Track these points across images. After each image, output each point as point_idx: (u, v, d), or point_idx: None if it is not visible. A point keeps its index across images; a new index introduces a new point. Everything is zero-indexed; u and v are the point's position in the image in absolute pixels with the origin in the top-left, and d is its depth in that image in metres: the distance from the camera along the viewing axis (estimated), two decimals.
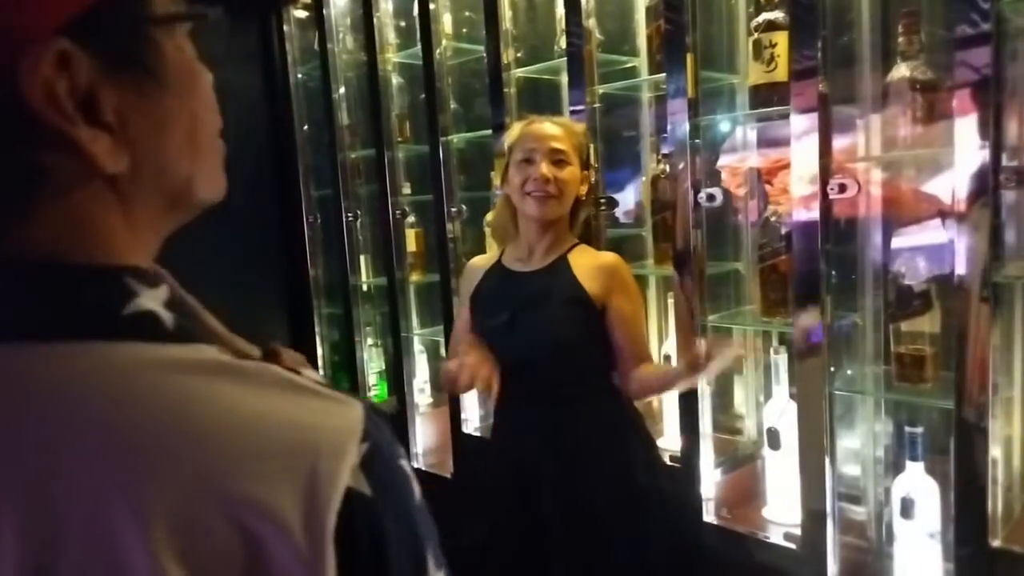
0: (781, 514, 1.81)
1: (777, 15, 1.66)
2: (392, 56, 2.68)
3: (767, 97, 1.69)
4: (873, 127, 1.64)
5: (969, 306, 1.40)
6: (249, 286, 3.12)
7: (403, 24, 2.71)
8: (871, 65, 1.66)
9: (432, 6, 2.38)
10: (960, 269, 1.41)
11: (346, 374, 3.06)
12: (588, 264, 1.68)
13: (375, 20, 2.60)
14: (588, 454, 1.67)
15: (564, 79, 2.16)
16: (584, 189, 1.72)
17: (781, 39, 1.65)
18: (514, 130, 1.73)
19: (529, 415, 1.68)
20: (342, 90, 2.88)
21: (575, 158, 1.68)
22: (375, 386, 3.01)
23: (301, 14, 3.03)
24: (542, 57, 2.29)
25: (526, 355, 1.64)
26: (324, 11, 2.81)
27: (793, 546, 1.72)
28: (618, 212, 2.08)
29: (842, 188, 1.54)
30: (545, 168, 1.63)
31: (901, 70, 1.54)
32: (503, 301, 1.69)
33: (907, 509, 1.56)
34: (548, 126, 1.68)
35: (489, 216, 1.88)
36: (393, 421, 2.72)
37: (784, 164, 1.74)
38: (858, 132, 1.64)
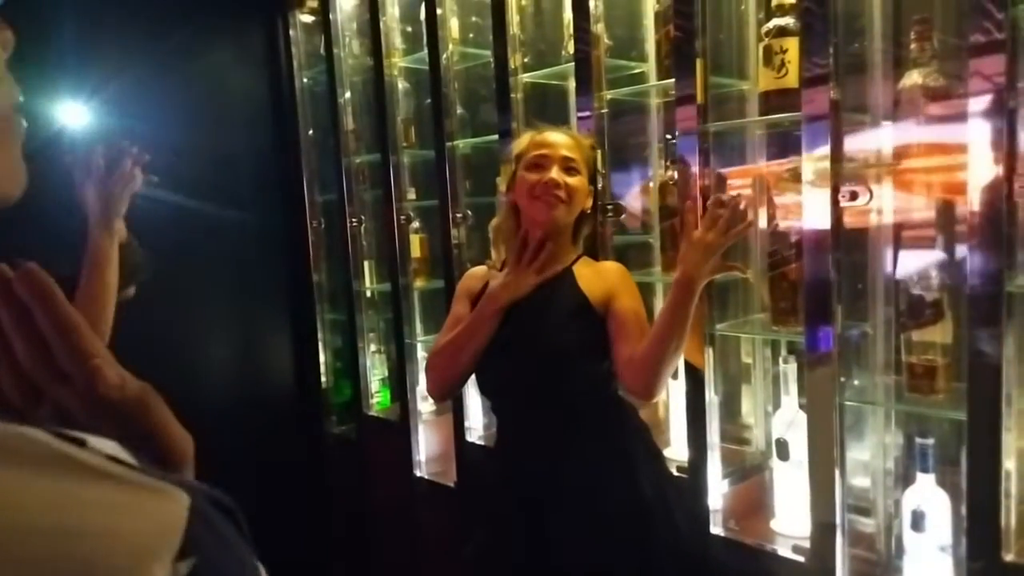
0: (789, 526, 1.78)
1: (788, 21, 1.65)
2: (398, 61, 2.67)
3: (777, 103, 1.67)
4: (884, 135, 1.62)
5: (982, 316, 1.38)
6: (252, 291, 3.11)
7: (409, 29, 2.70)
8: (883, 72, 1.64)
9: (439, 11, 2.37)
10: (973, 279, 1.39)
11: (348, 381, 3.05)
12: (590, 273, 1.70)
13: (381, 25, 2.60)
14: (593, 465, 1.64)
15: (571, 84, 2.15)
16: (589, 203, 1.74)
17: (792, 45, 1.63)
18: (524, 138, 1.73)
19: (533, 426, 1.67)
20: (348, 95, 2.87)
21: (584, 169, 1.69)
22: (378, 393, 2.99)
23: (307, 18, 3.03)
24: (549, 62, 2.28)
25: (531, 367, 1.63)
26: (331, 15, 2.81)
27: (801, 559, 1.69)
28: (625, 219, 2.06)
29: (853, 196, 1.52)
30: (556, 173, 1.64)
31: (913, 77, 1.52)
32: (506, 311, 1.67)
33: (918, 522, 1.54)
34: (560, 135, 1.70)
35: (494, 222, 1.87)
36: (396, 429, 2.72)
37: (794, 171, 1.72)
38: (869, 140, 1.62)
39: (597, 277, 1.69)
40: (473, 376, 1.74)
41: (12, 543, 0.29)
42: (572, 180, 1.66)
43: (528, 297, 1.67)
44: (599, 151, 1.91)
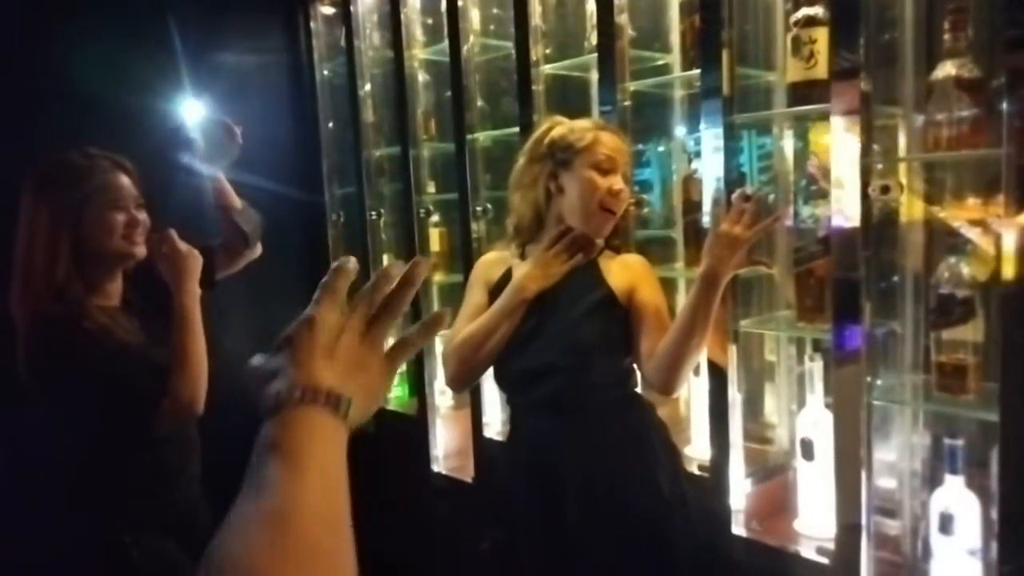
0: (813, 527, 1.75)
1: (817, 10, 1.61)
2: (418, 52, 2.65)
3: (805, 95, 1.64)
4: (915, 127, 1.58)
5: (1016, 314, 1.34)
6: (271, 284, 3.10)
7: (430, 21, 2.68)
8: (914, 63, 1.60)
9: (460, 2, 2.36)
10: (1005, 275, 1.35)
11: None
12: (614, 266, 1.69)
13: (402, 16, 2.58)
14: (611, 461, 1.63)
15: (594, 76, 2.11)
16: None
17: (821, 35, 1.60)
18: (580, 129, 1.65)
19: (552, 420, 1.64)
20: (367, 87, 2.86)
21: None
22: (396, 387, 2.98)
23: (328, 10, 3.02)
24: (571, 54, 2.26)
25: (551, 360, 1.61)
26: (351, 7, 2.80)
27: (826, 560, 1.66)
28: (647, 213, 2.04)
29: (884, 190, 1.49)
30: (622, 183, 1.63)
31: (946, 68, 1.48)
32: (529, 303, 1.64)
33: (946, 525, 1.50)
34: (619, 141, 1.67)
35: (513, 217, 1.83)
36: (414, 423, 2.70)
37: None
38: (900, 132, 1.58)
39: (621, 269, 1.67)
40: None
41: None
42: (627, 189, 1.66)
43: (553, 288, 1.64)
44: None
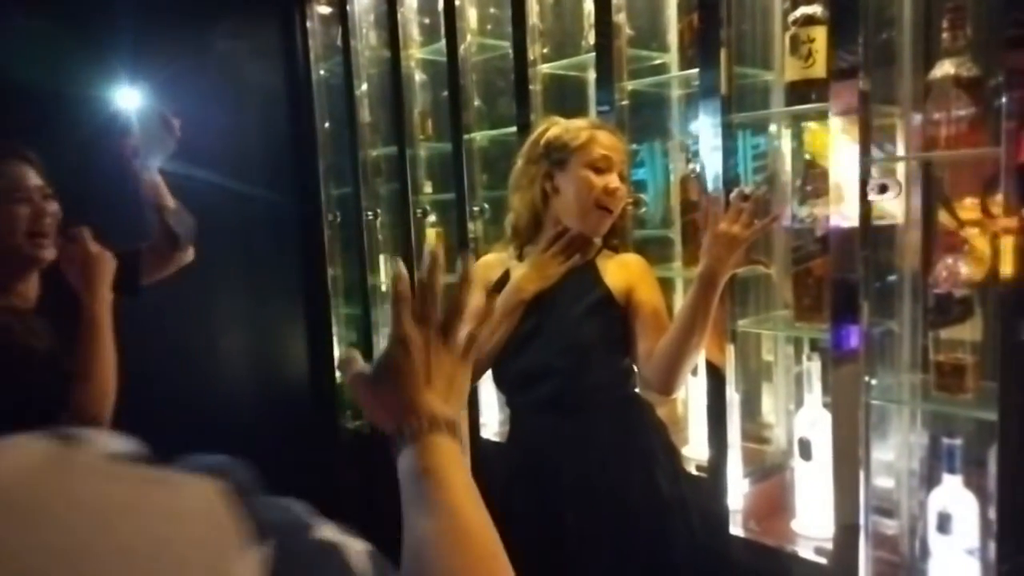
0: (811, 527, 1.75)
1: (815, 9, 1.61)
2: (415, 52, 2.65)
3: (804, 94, 1.64)
4: (914, 126, 1.58)
5: (1015, 313, 1.34)
6: (267, 284, 3.09)
7: (427, 20, 2.68)
8: (912, 62, 1.60)
9: (457, 2, 2.35)
10: (1003, 275, 1.34)
11: None
12: (612, 265, 1.68)
13: (399, 16, 2.58)
14: (610, 462, 1.62)
15: (591, 76, 2.11)
16: None
17: (819, 34, 1.60)
18: (576, 128, 1.64)
19: (551, 421, 1.64)
20: (364, 87, 2.86)
21: None
22: None
23: (324, 10, 3.02)
24: (569, 53, 2.25)
25: (549, 360, 1.61)
26: (348, 7, 2.79)
27: (824, 560, 1.66)
28: (645, 213, 2.03)
29: (883, 189, 1.49)
30: (618, 182, 1.62)
31: (945, 67, 1.48)
32: (527, 304, 1.64)
33: (944, 524, 1.50)
34: (615, 139, 1.65)
35: (511, 217, 1.82)
36: None
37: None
38: (898, 131, 1.58)
39: (619, 269, 1.67)
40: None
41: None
42: (624, 187, 1.65)
43: (551, 289, 1.64)
44: None
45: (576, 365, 1.60)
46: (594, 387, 1.62)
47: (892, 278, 1.63)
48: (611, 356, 1.63)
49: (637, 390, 1.72)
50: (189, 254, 1.90)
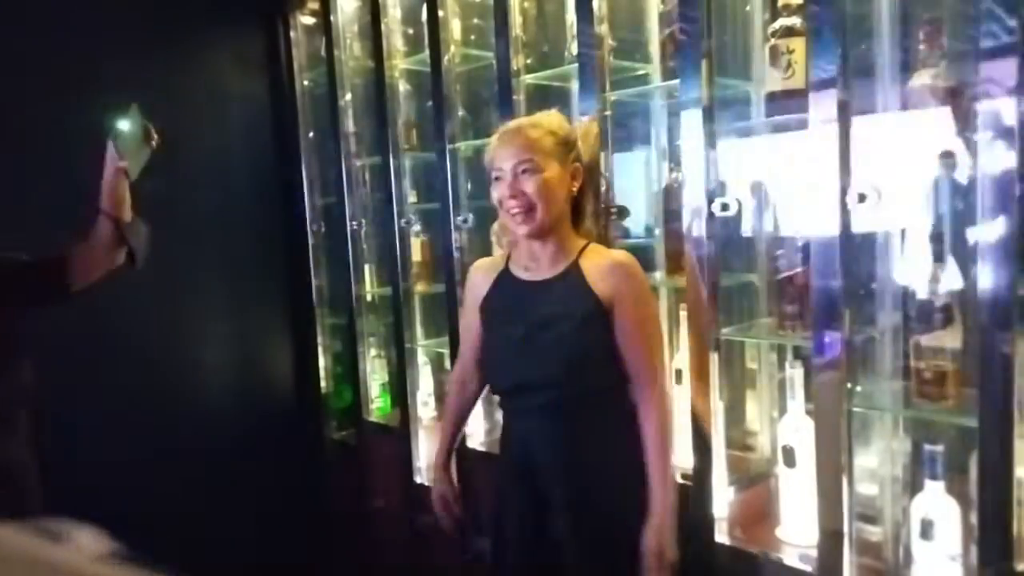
0: (795, 534, 1.76)
1: (795, 21, 1.63)
2: (399, 62, 2.65)
3: (784, 104, 1.65)
4: (892, 135, 1.60)
5: (994, 321, 1.35)
6: (252, 294, 3.08)
7: (411, 31, 2.69)
8: (890, 73, 1.62)
9: (441, 13, 2.36)
10: (984, 282, 1.36)
11: (349, 386, 3.02)
12: (599, 264, 1.62)
13: (383, 26, 2.58)
14: (601, 471, 1.62)
15: (574, 86, 2.12)
16: (576, 184, 1.64)
17: (799, 45, 1.61)
18: (490, 145, 1.65)
19: (541, 430, 1.64)
20: (348, 97, 2.86)
21: (550, 160, 1.59)
22: (378, 398, 2.97)
23: (308, 20, 3.02)
24: (552, 64, 2.27)
25: (541, 372, 1.60)
26: (331, 17, 2.79)
27: (808, 567, 1.66)
28: (628, 222, 2.04)
29: (861, 198, 1.50)
30: (506, 187, 1.58)
31: (922, 78, 1.50)
32: (515, 314, 1.64)
33: (927, 530, 1.51)
34: (515, 137, 1.60)
35: (496, 225, 1.84)
36: (396, 435, 2.69)
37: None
38: (876, 140, 1.60)
39: (606, 270, 1.61)
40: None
41: None
42: (534, 182, 1.57)
43: (541, 297, 1.63)
44: (597, 129, 1.87)
45: (573, 375, 1.60)
46: (589, 394, 1.62)
47: (873, 286, 1.65)
48: (605, 363, 1.61)
49: (628, 394, 1.71)
50: (122, 256, 1.84)
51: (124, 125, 1.78)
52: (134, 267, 1.84)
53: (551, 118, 1.66)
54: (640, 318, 1.61)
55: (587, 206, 1.71)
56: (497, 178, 1.61)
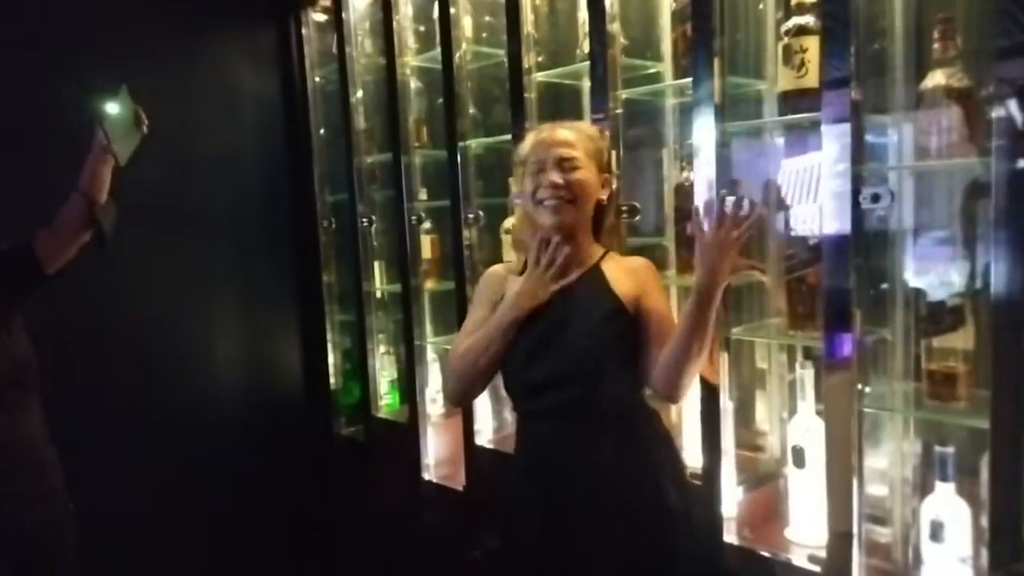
0: (804, 535, 1.75)
1: (808, 19, 1.62)
2: (410, 60, 2.66)
3: (796, 103, 1.65)
4: (906, 136, 1.59)
5: (1007, 322, 1.35)
6: (262, 290, 3.09)
7: (422, 28, 2.69)
8: (904, 73, 1.61)
9: (452, 10, 2.36)
10: (998, 284, 1.35)
11: (358, 383, 3.03)
12: (619, 271, 1.66)
13: (394, 23, 2.58)
14: (620, 472, 1.62)
15: (586, 84, 2.12)
16: (606, 194, 1.68)
17: (812, 44, 1.61)
18: (527, 140, 1.70)
19: (560, 428, 1.64)
20: (359, 94, 2.86)
21: (589, 163, 1.64)
22: (387, 395, 2.97)
23: (320, 17, 3.03)
24: (563, 62, 2.26)
25: (562, 371, 1.60)
26: (343, 14, 2.80)
27: (817, 568, 1.66)
28: (639, 220, 2.03)
29: (875, 198, 1.49)
30: (554, 175, 1.60)
31: (936, 77, 1.49)
32: (534, 316, 1.63)
33: (937, 532, 1.50)
34: (559, 133, 1.64)
35: (507, 223, 1.84)
36: (405, 431, 2.70)
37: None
38: (890, 141, 1.59)
39: (627, 276, 1.65)
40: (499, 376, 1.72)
41: None
42: (576, 176, 1.61)
43: (560, 298, 1.63)
44: (609, 140, 1.87)
45: (590, 376, 1.60)
46: (605, 396, 1.62)
47: (884, 287, 1.64)
48: (623, 365, 1.62)
49: (645, 399, 1.72)
50: (87, 236, 1.86)
51: (113, 108, 1.77)
52: (104, 248, 1.85)
53: (589, 126, 1.74)
54: (665, 307, 1.64)
55: (608, 218, 1.75)
56: (537, 170, 1.62)
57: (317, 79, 3.07)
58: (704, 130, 1.75)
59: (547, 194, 1.60)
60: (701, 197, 1.76)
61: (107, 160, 1.80)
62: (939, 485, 1.51)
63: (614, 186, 1.73)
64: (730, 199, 1.53)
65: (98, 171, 1.81)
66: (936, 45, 1.48)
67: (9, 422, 1.73)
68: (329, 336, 3.16)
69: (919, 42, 1.59)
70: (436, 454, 2.70)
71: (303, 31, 3.03)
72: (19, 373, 1.76)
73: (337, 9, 2.81)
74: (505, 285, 1.72)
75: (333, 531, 3.18)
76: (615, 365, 1.61)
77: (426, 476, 2.68)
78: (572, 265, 1.65)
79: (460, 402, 1.99)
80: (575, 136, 1.64)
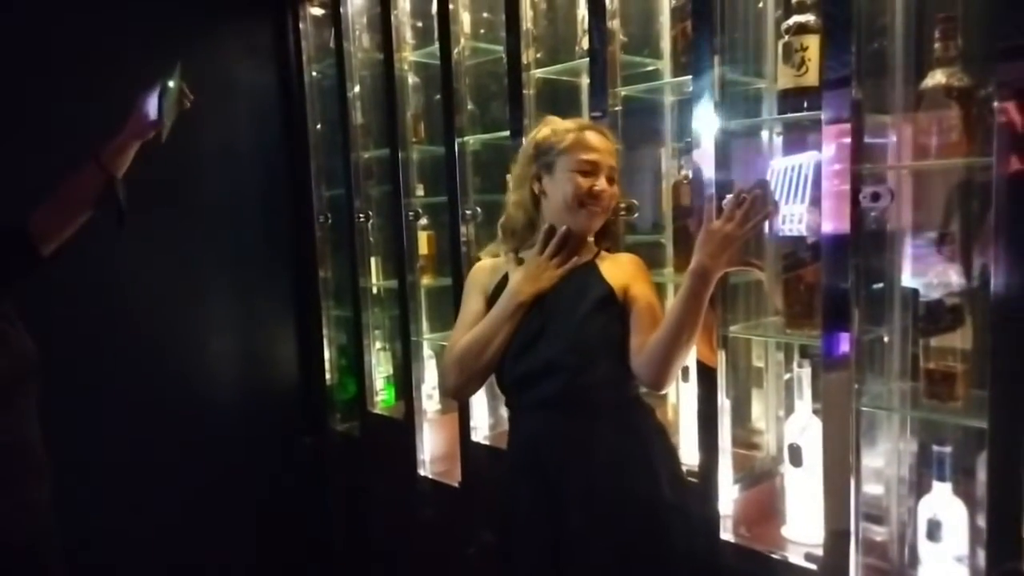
0: (801, 533, 1.75)
1: (808, 18, 1.61)
2: (408, 55, 2.65)
3: (796, 102, 1.64)
4: (905, 135, 1.59)
5: (1003, 321, 1.35)
6: (258, 286, 3.08)
7: (420, 24, 2.68)
8: (904, 72, 1.61)
9: (451, 5, 2.35)
10: (995, 283, 1.35)
11: (353, 378, 3.02)
12: (610, 265, 1.70)
13: (392, 18, 2.57)
14: (611, 463, 1.62)
15: (585, 81, 2.12)
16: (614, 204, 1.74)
17: (812, 42, 1.60)
18: (562, 131, 1.67)
19: (552, 421, 1.64)
20: (357, 89, 2.85)
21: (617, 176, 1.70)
22: (382, 391, 2.97)
23: (317, 11, 3.02)
24: (562, 58, 2.25)
25: (553, 358, 1.61)
26: (341, 9, 2.79)
27: (814, 567, 1.66)
28: (637, 218, 2.03)
29: (875, 197, 1.49)
30: (605, 184, 1.64)
31: (936, 77, 1.49)
32: (531, 304, 1.66)
33: (934, 531, 1.51)
34: (602, 139, 1.67)
35: (504, 220, 1.83)
36: (400, 427, 2.70)
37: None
38: (890, 140, 1.59)
39: (616, 268, 1.69)
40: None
41: None
42: (613, 189, 1.67)
43: (554, 289, 1.66)
44: None
45: (579, 363, 1.60)
46: (596, 386, 1.62)
47: (883, 286, 1.64)
48: (613, 355, 1.62)
49: (640, 393, 1.72)
50: (87, 214, 1.78)
51: (172, 83, 1.74)
52: (122, 227, 1.76)
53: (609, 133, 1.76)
54: (652, 296, 1.65)
55: (613, 227, 1.81)
56: (586, 171, 1.63)
57: (314, 74, 3.05)
58: (703, 127, 1.74)
59: (595, 202, 1.63)
60: (699, 195, 1.76)
61: (146, 135, 1.75)
62: (936, 484, 1.51)
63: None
64: (743, 190, 1.54)
65: (129, 146, 1.75)
66: (937, 44, 1.48)
67: (16, 422, 1.63)
68: (325, 332, 3.15)
69: (920, 41, 1.58)
70: (432, 450, 2.69)
71: (300, 25, 3.01)
72: (32, 369, 1.66)
73: (335, 3, 2.80)
74: (494, 277, 1.74)
75: (329, 527, 3.18)
76: (605, 355, 1.62)
77: (422, 472, 2.68)
78: (573, 257, 1.69)
79: (461, 395, 1.99)
80: (612, 146, 1.70)
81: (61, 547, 1.77)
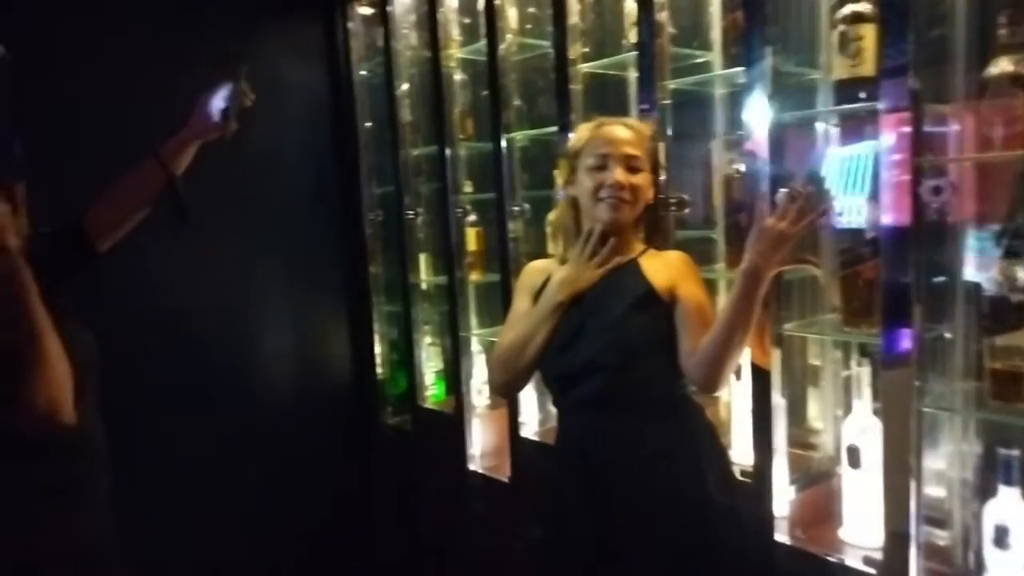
0: (858, 536, 1.71)
1: (864, 6, 1.57)
2: (455, 52, 2.65)
3: (852, 93, 1.60)
4: (967, 125, 1.53)
5: None
6: (310, 282, 3.13)
7: (467, 21, 2.68)
8: (966, 60, 1.54)
9: (497, 1, 2.34)
10: None
11: (404, 373, 3.05)
12: (655, 263, 1.67)
13: (439, 16, 2.58)
14: (658, 462, 1.60)
15: (633, 75, 2.09)
16: (651, 193, 1.70)
17: (868, 31, 1.56)
18: (582, 132, 1.70)
19: (597, 419, 1.63)
20: (405, 86, 2.87)
21: (646, 163, 1.66)
22: (432, 386, 2.99)
23: (366, 11, 3.03)
24: (610, 52, 2.23)
25: (593, 357, 1.60)
26: (388, 8, 2.80)
27: (872, 570, 1.62)
28: (688, 213, 2.00)
29: (936, 191, 1.44)
30: (620, 174, 1.61)
31: (1001, 64, 1.43)
32: (571, 306, 1.65)
33: (1001, 538, 1.45)
34: (620, 129, 1.65)
35: (551, 216, 1.83)
36: (450, 422, 2.71)
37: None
38: (951, 130, 1.53)
39: (663, 266, 1.66)
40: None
41: None
42: (636, 179, 1.63)
43: (595, 289, 1.65)
44: (659, 140, 1.86)
45: (620, 362, 1.59)
46: (640, 384, 1.61)
47: (945, 281, 1.58)
48: (657, 354, 1.60)
49: (688, 392, 1.70)
50: (143, 213, 1.78)
51: (239, 85, 1.77)
52: (184, 226, 1.74)
53: (644, 125, 1.75)
54: (702, 296, 1.62)
55: (654, 219, 1.77)
56: (600, 166, 1.62)
57: (363, 72, 3.07)
58: (755, 120, 1.70)
59: (610, 192, 1.61)
60: (751, 189, 1.72)
61: (208, 136, 1.77)
62: (1002, 489, 1.46)
63: (659, 183, 1.73)
64: (797, 187, 1.50)
65: (190, 145, 1.77)
66: (1002, 31, 1.42)
67: (84, 414, 1.55)
68: (375, 327, 3.18)
69: (983, 27, 1.52)
70: (482, 445, 2.70)
71: (349, 25, 3.04)
72: (94, 362, 1.64)
73: (382, 2, 2.81)
74: (543, 278, 1.74)
75: (379, 519, 3.22)
76: (647, 352, 1.60)
77: (472, 467, 2.69)
78: (614, 256, 1.67)
79: (506, 393, 2.01)
80: (635, 135, 1.66)
81: (121, 545, 1.81)
